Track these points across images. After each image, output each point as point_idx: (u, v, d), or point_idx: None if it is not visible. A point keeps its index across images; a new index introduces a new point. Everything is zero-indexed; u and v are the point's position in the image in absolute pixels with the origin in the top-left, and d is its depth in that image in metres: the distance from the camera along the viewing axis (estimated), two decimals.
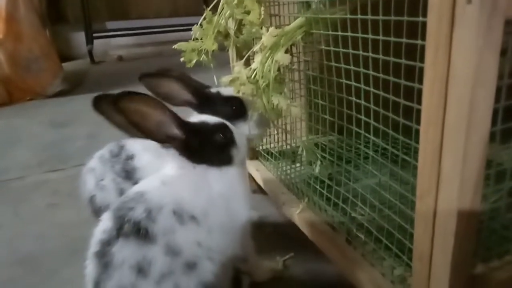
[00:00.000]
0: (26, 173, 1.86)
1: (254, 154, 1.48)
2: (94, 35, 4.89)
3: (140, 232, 0.81)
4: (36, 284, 1.14)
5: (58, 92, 3.39)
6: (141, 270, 0.79)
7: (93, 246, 0.84)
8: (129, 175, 1.18)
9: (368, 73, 0.80)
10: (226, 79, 0.99)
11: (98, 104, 0.87)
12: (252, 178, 1.43)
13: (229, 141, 0.94)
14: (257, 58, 0.95)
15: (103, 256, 0.81)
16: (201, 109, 1.08)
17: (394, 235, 0.82)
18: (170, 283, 0.80)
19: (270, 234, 1.27)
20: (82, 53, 5.10)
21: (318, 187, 1.09)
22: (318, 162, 1.10)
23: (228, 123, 0.96)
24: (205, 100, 1.09)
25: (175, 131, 0.89)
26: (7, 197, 1.65)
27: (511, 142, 0.71)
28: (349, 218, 1.00)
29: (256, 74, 0.95)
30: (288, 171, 1.29)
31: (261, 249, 1.07)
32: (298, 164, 1.30)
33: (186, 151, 0.91)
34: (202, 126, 0.93)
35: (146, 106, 0.83)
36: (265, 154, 1.42)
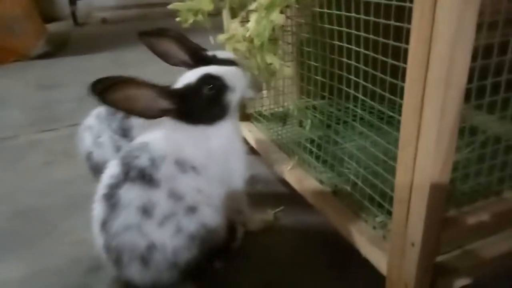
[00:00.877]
0: (19, 133, 1.88)
1: (246, 116, 1.53)
2: None
3: (145, 177, 0.89)
4: (36, 235, 1.20)
5: (42, 53, 3.34)
6: (146, 211, 0.88)
7: (101, 189, 0.92)
8: (126, 133, 1.23)
9: (359, 34, 0.85)
10: (222, 37, 1.04)
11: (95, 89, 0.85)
12: (244, 140, 1.49)
13: (220, 88, 0.96)
14: (253, 17, 0.99)
15: (111, 198, 0.89)
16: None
17: (377, 187, 0.91)
18: (172, 223, 0.89)
19: (261, 191, 1.35)
20: (65, 14, 4.97)
21: (308, 145, 1.17)
22: (309, 121, 1.17)
23: (221, 74, 0.96)
24: (201, 62, 1.13)
25: (165, 103, 0.93)
26: (3, 155, 1.69)
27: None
28: (336, 174, 1.08)
29: (251, 33, 0.99)
30: (280, 132, 1.35)
31: (254, 204, 1.15)
32: (289, 125, 1.37)
33: (182, 118, 0.96)
34: (187, 88, 0.95)
35: (130, 89, 0.87)
36: (257, 116, 1.47)
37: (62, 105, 2.22)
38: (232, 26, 1.02)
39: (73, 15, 4.74)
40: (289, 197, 1.23)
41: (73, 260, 1.09)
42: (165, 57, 1.10)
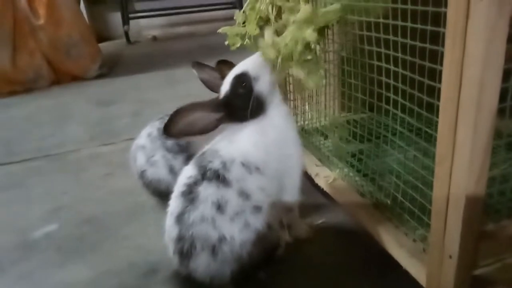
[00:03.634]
0: (80, 147, 2.05)
1: None
2: (130, 15, 5.06)
3: (219, 177, 1.02)
4: (99, 241, 1.32)
5: (97, 76, 3.51)
6: (219, 207, 1.00)
7: (179, 188, 1.05)
8: (183, 149, 1.33)
9: (397, 55, 0.90)
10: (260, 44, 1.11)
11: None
12: None
13: (250, 82, 1.07)
14: (289, 29, 1.06)
15: (190, 193, 1.02)
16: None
17: (416, 201, 0.94)
18: (241, 220, 1.00)
19: (303, 203, 1.40)
20: (118, 33, 5.30)
21: (349, 159, 1.21)
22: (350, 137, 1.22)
23: (244, 69, 1.08)
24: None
25: (216, 115, 1.06)
26: (67, 168, 1.85)
27: None
28: (377, 188, 1.12)
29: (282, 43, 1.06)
30: (321, 145, 1.41)
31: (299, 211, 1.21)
32: (330, 140, 1.42)
33: (234, 121, 1.08)
34: (227, 95, 1.08)
35: (187, 116, 1.02)
36: (299, 130, 1.53)
37: (119, 120, 2.39)
38: (266, 33, 1.09)
39: (126, 34, 5.05)
40: (330, 209, 1.28)
41: (131, 263, 1.19)
42: (208, 84, 1.22)
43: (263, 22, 1.25)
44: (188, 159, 1.29)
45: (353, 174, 1.20)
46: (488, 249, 0.80)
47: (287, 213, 1.18)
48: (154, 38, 5.32)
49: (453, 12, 0.65)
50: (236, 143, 1.07)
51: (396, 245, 0.97)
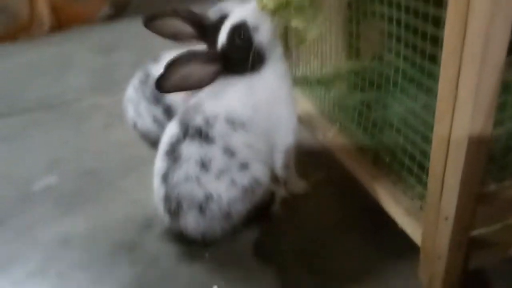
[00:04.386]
0: (81, 97, 2.01)
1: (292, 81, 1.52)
2: None
3: (201, 134, 0.98)
4: (98, 193, 1.32)
5: (105, 17, 3.44)
6: (204, 165, 0.97)
7: (163, 146, 1.02)
8: (158, 99, 1.28)
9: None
10: None
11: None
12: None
13: (249, 32, 0.99)
14: None
15: (173, 153, 0.99)
16: (205, 40, 1.13)
17: (415, 157, 0.89)
18: (227, 178, 0.97)
19: (303, 156, 1.37)
20: None
21: (350, 112, 1.16)
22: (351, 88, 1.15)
23: (243, 18, 0.99)
24: (207, 31, 1.13)
25: (212, 67, 0.99)
26: (67, 118, 1.82)
27: None
28: (377, 142, 1.07)
29: None
30: (324, 97, 1.34)
31: (296, 167, 1.18)
32: (332, 91, 1.35)
33: (230, 73, 1.02)
34: (224, 46, 1.01)
35: (181, 70, 0.94)
36: (302, 81, 1.46)
37: (121, 69, 2.32)
38: None
39: None
40: (329, 163, 1.24)
41: (128, 217, 1.19)
42: (174, 37, 1.12)
43: None
44: (166, 110, 1.26)
45: (354, 127, 1.15)
46: (488, 210, 0.77)
47: (282, 169, 1.15)
48: None
49: None
50: (221, 99, 1.02)
51: (392, 202, 0.94)
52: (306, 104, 1.41)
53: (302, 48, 1.45)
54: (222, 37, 1.01)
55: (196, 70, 0.97)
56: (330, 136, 1.21)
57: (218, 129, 0.98)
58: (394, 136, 0.97)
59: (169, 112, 1.25)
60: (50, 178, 1.42)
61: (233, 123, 0.99)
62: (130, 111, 1.34)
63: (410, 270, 0.90)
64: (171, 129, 1.02)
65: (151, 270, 1.02)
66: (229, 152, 0.98)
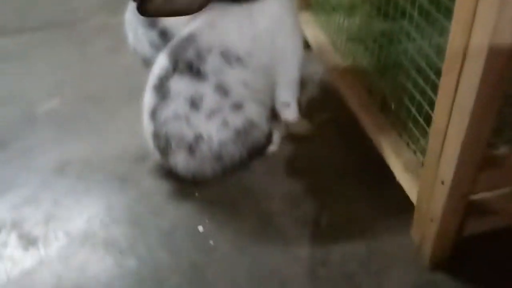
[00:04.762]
0: (89, 16, 1.92)
1: (306, 4, 1.37)
2: None
3: (192, 69, 0.89)
4: (98, 120, 1.29)
5: None
6: (194, 103, 0.90)
7: (152, 80, 0.95)
8: (153, 22, 1.18)
9: None
10: None
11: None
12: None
13: None
14: None
15: (161, 88, 0.92)
16: None
17: (423, 107, 0.79)
18: (219, 118, 0.91)
19: (312, 92, 1.27)
20: None
21: (362, 47, 1.04)
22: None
23: None
24: None
25: None
26: (74, 39, 1.75)
27: None
28: (385, 84, 0.96)
29: None
30: (337, 27, 1.20)
31: (301, 103, 1.10)
32: (348, 20, 1.20)
33: None
34: None
35: None
36: (318, 5, 1.31)
37: None
38: None
39: None
40: (337, 104, 1.15)
41: (124, 148, 1.16)
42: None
43: None
44: (162, 34, 1.15)
45: (365, 64, 1.04)
46: (495, 174, 0.68)
47: (284, 108, 1.07)
48: None
49: None
50: (217, 29, 0.91)
51: (393, 154, 0.86)
52: (319, 34, 1.27)
53: None
54: None
55: None
56: (339, 72, 1.09)
57: (211, 64, 0.90)
58: (402, 79, 0.86)
59: (165, 36, 1.16)
60: (52, 101, 1.40)
61: (229, 57, 0.90)
62: (130, 36, 1.26)
63: (404, 227, 0.85)
64: (161, 61, 0.94)
65: (141, 203, 1.02)
66: (222, 90, 0.90)
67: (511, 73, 0.54)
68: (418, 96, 0.80)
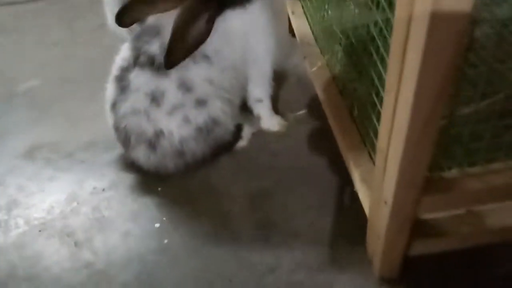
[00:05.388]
0: None
1: None
2: None
3: (154, 64, 0.86)
4: (74, 105, 1.28)
5: None
6: (154, 98, 0.88)
7: (114, 70, 0.93)
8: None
9: None
10: None
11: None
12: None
13: None
14: None
15: (122, 80, 0.90)
16: None
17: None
18: (180, 114, 0.88)
19: (290, 86, 1.23)
20: None
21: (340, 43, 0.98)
22: None
23: None
24: None
25: (207, 13, 0.83)
26: (65, 13, 1.73)
27: None
28: (352, 87, 0.91)
29: None
30: (320, 18, 1.14)
31: (278, 98, 1.08)
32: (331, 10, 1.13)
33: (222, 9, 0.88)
34: None
35: (182, 31, 0.81)
36: None
37: None
38: None
39: None
40: (315, 100, 1.10)
41: (94, 137, 1.14)
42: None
43: None
44: None
45: (340, 64, 0.98)
46: (441, 198, 0.64)
47: (256, 104, 1.04)
48: None
49: None
50: None
51: (353, 163, 0.82)
52: (304, 25, 1.21)
53: None
54: None
55: (194, 24, 0.83)
56: (314, 70, 1.05)
57: None
58: (367, 86, 0.81)
59: None
60: (33, 81, 1.39)
61: (194, 54, 0.86)
62: (109, 17, 1.23)
63: (361, 238, 0.82)
64: (124, 51, 0.92)
65: (103, 195, 1.01)
66: (185, 86, 0.87)
67: (447, 97, 0.50)
68: (379, 106, 0.75)
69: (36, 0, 1.83)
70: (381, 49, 0.70)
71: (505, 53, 0.54)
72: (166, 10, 0.86)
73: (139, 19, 0.89)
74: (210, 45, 0.87)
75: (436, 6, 0.40)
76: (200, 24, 0.83)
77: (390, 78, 0.53)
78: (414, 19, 0.45)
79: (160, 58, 0.85)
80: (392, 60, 0.52)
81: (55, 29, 1.64)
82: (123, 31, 1.17)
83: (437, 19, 0.41)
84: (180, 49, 0.82)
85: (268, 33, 0.93)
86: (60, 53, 1.52)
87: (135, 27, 1.15)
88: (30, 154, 1.13)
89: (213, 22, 0.85)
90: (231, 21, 0.89)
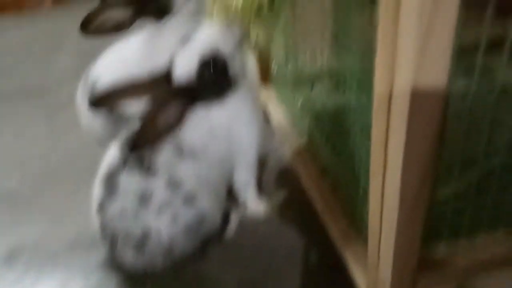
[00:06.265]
0: (63, 84, 1.93)
1: (268, 78, 1.39)
2: None
3: (143, 164, 0.87)
4: (56, 201, 1.26)
5: None
6: (143, 199, 0.87)
7: (101, 171, 0.92)
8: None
9: None
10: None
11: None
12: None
13: (221, 66, 0.86)
14: None
15: (110, 182, 0.89)
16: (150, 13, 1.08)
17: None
18: (169, 213, 0.87)
19: (272, 168, 1.25)
20: None
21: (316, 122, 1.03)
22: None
23: (215, 48, 0.85)
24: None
25: (180, 105, 0.85)
26: (46, 108, 1.75)
27: None
28: (336, 164, 0.95)
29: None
30: (295, 102, 1.21)
31: (262, 182, 1.10)
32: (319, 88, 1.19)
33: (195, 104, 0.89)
34: (191, 82, 0.86)
35: (151, 122, 0.82)
36: (280, 79, 1.32)
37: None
38: None
39: None
40: (298, 181, 1.13)
41: (80, 234, 1.11)
42: (119, 27, 1.04)
43: None
44: (108, 113, 1.17)
45: (318, 141, 1.03)
46: (433, 276, 0.65)
47: (242, 189, 1.05)
48: None
49: None
50: None
51: (343, 242, 0.84)
52: (278, 109, 1.28)
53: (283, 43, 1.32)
54: (188, 67, 0.86)
55: (166, 116, 0.84)
56: (295, 149, 1.09)
57: (163, 158, 0.87)
58: (352, 161, 0.84)
59: (112, 115, 1.17)
60: (12, 179, 1.37)
61: (182, 150, 0.88)
62: (82, 119, 1.27)
63: None
64: (112, 152, 0.92)
65: None
66: (174, 184, 0.87)
67: (433, 176, 0.53)
68: (363, 182, 0.78)
69: (13, 97, 1.86)
70: (357, 129, 0.75)
71: (477, 131, 0.58)
72: (139, 96, 0.88)
73: (113, 104, 0.92)
74: (198, 140, 0.90)
75: (415, 83, 0.44)
76: (171, 113, 0.85)
77: (374, 162, 0.57)
78: (393, 102, 0.49)
79: (148, 158, 0.87)
80: (375, 144, 0.55)
81: (34, 123, 1.66)
82: (97, 131, 1.21)
83: (417, 97, 0.45)
84: (148, 136, 0.83)
85: (252, 123, 0.96)
86: (39, 148, 1.52)
87: (104, 133, 1.21)
88: (9, 258, 1.08)
89: (185, 113, 0.87)
90: (214, 116, 0.91)
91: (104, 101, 0.88)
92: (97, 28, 1.01)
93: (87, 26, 1.00)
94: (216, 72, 0.86)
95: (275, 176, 1.21)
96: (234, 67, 0.88)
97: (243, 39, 0.89)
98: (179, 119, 0.85)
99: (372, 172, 0.58)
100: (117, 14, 1.04)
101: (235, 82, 0.90)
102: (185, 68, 0.86)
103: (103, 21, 1.02)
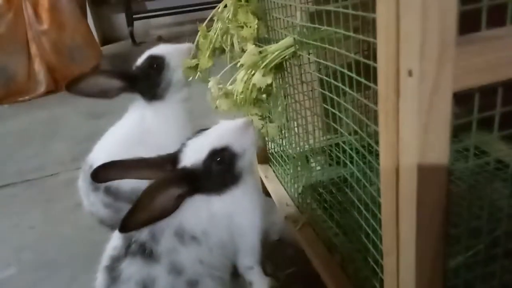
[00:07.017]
0: (59, 170, 1.97)
1: (265, 158, 1.45)
2: (134, 16, 4.95)
3: (145, 251, 0.86)
4: None
5: None
6: (145, 286, 0.85)
7: (104, 260, 0.91)
8: (96, 185, 1.22)
9: None
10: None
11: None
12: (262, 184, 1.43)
13: (229, 158, 0.89)
14: (239, 76, 0.93)
15: (112, 271, 0.87)
16: (135, 88, 1.20)
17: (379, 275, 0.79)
18: None
19: (275, 244, 1.27)
20: (125, 34, 5.20)
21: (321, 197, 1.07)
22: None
23: (225, 144, 0.89)
24: (134, 78, 1.20)
25: (178, 190, 0.87)
26: (41, 196, 1.77)
27: None
28: (343, 242, 0.97)
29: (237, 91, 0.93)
30: (294, 179, 1.26)
31: (264, 264, 1.08)
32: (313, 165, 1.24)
33: (196, 194, 0.91)
34: (198, 169, 0.88)
35: (148, 201, 0.82)
36: (276, 158, 1.38)
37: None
38: (210, 84, 0.95)
39: (131, 35, 4.94)
40: (302, 255, 1.14)
41: None
42: (103, 95, 1.14)
43: (219, 51, 1.12)
44: (107, 192, 1.20)
45: (323, 219, 1.06)
46: None
47: (247, 271, 1.05)
48: (160, 38, 5.19)
49: (382, 84, 0.50)
50: None
51: None
52: (278, 186, 1.32)
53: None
54: (196, 157, 0.89)
55: (162, 200, 0.84)
56: (297, 228, 1.11)
57: (165, 244, 0.87)
58: (359, 236, 0.87)
59: (109, 193, 1.20)
60: (9, 270, 1.34)
61: (183, 236, 0.89)
62: (84, 201, 1.29)
63: None
64: (114, 240, 0.92)
65: None
66: (176, 270, 0.87)
67: (445, 247, 0.56)
68: (371, 260, 0.81)
69: (11, 185, 1.87)
70: (357, 202, 0.79)
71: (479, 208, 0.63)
72: (142, 178, 0.91)
73: (114, 179, 0.93)
74: (199, 225, 0.91)
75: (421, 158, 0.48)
76: (168, 199, 0.85)
77: (387, 238, 0.60)
78: (401, 178, 0.52)
79: (150, 245, 0.87)
80: (386, 221, 0.59)
81: (30, 212, 1.66)
82: (99, 211, 1.23)
83: (424, 171, 0.49)
84: (141, 217, 0.82)
85: (252, 210, 0.98)
86: (36, 236, 1.51)
87: (107, 213, 1.23)
88: None
89: (182, 201, 0.87)
90: (214, 203, 0.93)
91: (107, 174, 0.89)
92: (83, 89, 1.11)
93: (74, 84, 1.08)
94: (224, 166, 0.89)
95: (280, 252, 1.22)
96: (241, 165, 0.92)
97: (257, 141, 0.94)
98: (176, 205, 0.86)
99: (385, 249, 0.61)
100: (106, 82, 1.15)
101: (240, 178, 0.93)
102: (194, 155, 0.89)
103: (91, 84, 1.11)
